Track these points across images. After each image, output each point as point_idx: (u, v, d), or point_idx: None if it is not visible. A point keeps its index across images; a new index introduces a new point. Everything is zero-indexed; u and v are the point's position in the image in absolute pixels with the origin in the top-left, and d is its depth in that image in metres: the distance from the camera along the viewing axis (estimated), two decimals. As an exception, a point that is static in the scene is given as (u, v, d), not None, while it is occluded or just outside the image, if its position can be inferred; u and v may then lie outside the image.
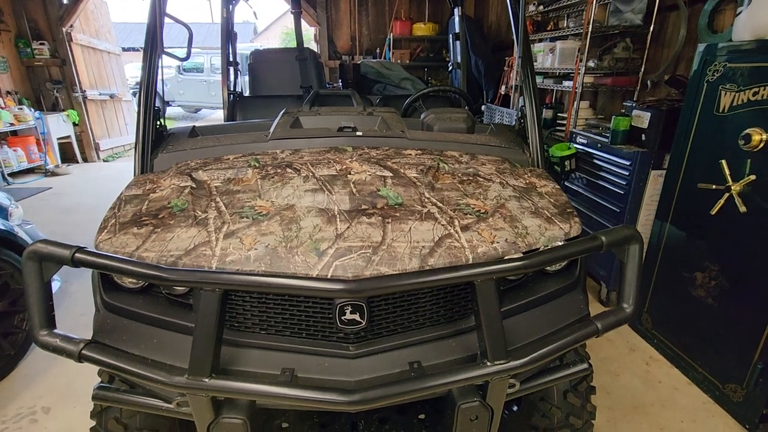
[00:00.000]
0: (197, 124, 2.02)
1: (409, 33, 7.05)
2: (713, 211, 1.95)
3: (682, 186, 2.19)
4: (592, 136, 2.92)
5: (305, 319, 1.16)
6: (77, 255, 1.03)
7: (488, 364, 1.07)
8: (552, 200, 1.44)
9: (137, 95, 1.67)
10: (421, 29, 6.98)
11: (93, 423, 1.37)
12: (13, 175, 5.96)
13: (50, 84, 6.90)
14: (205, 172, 1.49)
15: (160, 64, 1.69)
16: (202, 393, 1.01)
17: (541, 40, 3.97)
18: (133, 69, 11.92)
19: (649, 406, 2.03)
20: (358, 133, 1.72)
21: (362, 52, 7.38)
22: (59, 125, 6.76)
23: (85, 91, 7.11)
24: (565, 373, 1.27)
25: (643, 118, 2.52)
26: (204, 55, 12.08)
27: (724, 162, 1.90)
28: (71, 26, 6.75)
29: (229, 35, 2.82)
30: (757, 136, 1.75)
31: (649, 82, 2.96)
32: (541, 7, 3.84)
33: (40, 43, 6.69)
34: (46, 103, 6.92)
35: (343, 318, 1.11)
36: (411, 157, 1.58)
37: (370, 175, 1.43)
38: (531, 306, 1.29)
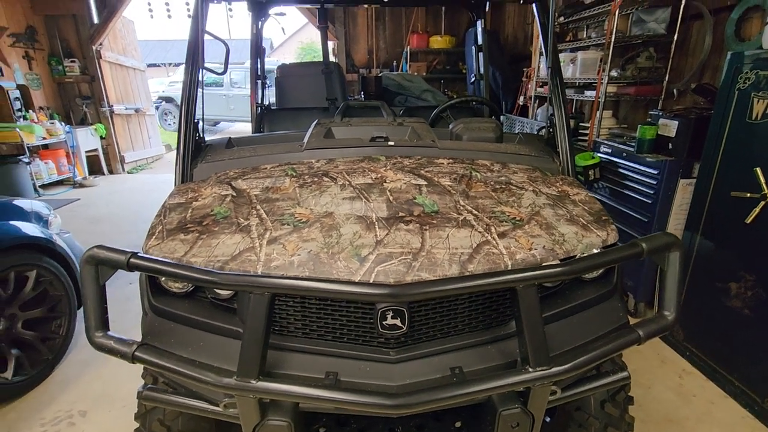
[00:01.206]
0: (231, 135, 2.09)
1: (425, 46, 7.15)
2: (748, 220, 1.92)
3: (714, 195, 2.16)
4: (616, 145, 2.90)
5: (347, 323, 1.18)
6: (132, 260, 1.08)
7: (530, 370, 1.07)
8: (586, 208, 1.45)
9: (180, 116, 1.74)
10: (438, 42, 7.07)
11: (136, 425, 1.41)
12: (43, 186, 6.17)
13: (80, 99, 7.16)
14: (244, 181, 1.54)
15: (201, 79, 1.76)
16: (249, 395, 1.04)
17: (560, 51, 3.99)
18: (155, 84, 12.30)
19: (684, 420, 1.98)
20: (390, 143, 1.76)
21: (379, 65, 7.50)
22: (87, 139, 7.00)
23: (112, 105, 7.36)
24: (606, 381, 1.26)
25: (670, 127, 2.51)
26: (234, 70, 12.42)
27: (758, 170, 1.88)
28: (100, 44, 7.02)
29: (258, 50, 2.92)
30: (794, 143, 1.73)
31: (675, 90, 2.94)
32: (562, 18, 3.87)
33: (71, 61, 6.97)
34: (75, 117, 7.17)
35: (384, 323, 1.12)
36: (443, 166, 1.61)
37: (405, 183, 1.45)
38: (568, 313, 1.29)
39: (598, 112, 3.20)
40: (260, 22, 2.85)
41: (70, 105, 7.18)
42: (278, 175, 1.56)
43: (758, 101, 1.91)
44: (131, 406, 1.93)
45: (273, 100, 3.26)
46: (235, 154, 1.77)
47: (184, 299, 1.29)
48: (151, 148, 8.75)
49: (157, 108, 12.39)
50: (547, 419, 1.67)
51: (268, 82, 3.04)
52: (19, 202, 2.42)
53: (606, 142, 3.03)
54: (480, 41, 2.93)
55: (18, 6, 6.34)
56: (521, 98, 5.31)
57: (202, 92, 1.80)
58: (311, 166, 1.61)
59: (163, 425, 1.36)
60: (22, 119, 6.00)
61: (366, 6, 6.82)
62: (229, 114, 12.22)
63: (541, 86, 4.41)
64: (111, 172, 7.56)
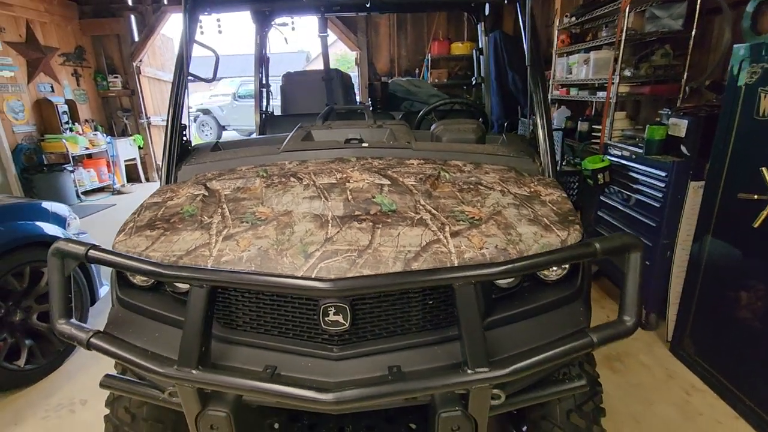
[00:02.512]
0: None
1: (447, 52, 7.13)
2: (756, 224, 1.78)
3: (723, 197, 2.01)
4: (626, 147, 2.77)
5: (292, 319, 1.20)
6: (90, 252, 1.14)
7: (468, 371, 1.04)
8: (555, 208, 1.39)
9: (167, 120, 1.84)
10: (459, 48, 7.03)
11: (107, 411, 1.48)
12: (85, 193, 6.64)
13: (121, 112, 7.68)
14: (218, 182, 1.59)
15: (186, 86, 1.86)
16: (187, 384, 1.07)
17: (575, 52, 3.86)
18: (198, 97, 12.99)
19: (686, 439, 1.84)
20: (364, 145, 1.77)
21: (401, 73, 7.54)
22: (127, 148, 7.48)
23: (149, 117, 7.83)
24: (559, 389, 1.19)
25: (680, 127, 2.37)
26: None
27: (765, 169, 1.73)
28: (140, 61, 7.51)
29: (262, 60, 3.03)
30: (801, 140, 1.59)
31: (687, 88, 2.78)
32: (573, 19, 3.75)
33: (114, 77, 7.50)
34: (116, 129, 7.69)
35: (326, 319, 1.13)
36: (413, 167, 1.60)
37: (368, 183, 1.46)
38: (525, 316, 1.24)
39: (609, 114, 3.07)
40: (264, 34, 2.95)
41: (112, 117, 7.71)
42: (250, 176, 1.61)
43: (765, 96, 1.77)
44: None
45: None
46: (217, 157, 1.85)
47: (148, 292, 1.35)
48: (186, 157, 9.20)
49: (195, 120, 13.06)
50: (524, 429, 1.60)
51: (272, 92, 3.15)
52: (44, 204, 2.62)
53: (616, 144, 2.90)
54: (481, 44, 2.90)
55: (69, 28, 6.92)
56: (541, 102, 5.17)
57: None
58: (283, 167, 1.65)
59: (128, 412, 1.42)
60: (68, 131, 6.51)
61: (382, 14, 6.90)
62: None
63: (557, 89, 4.29)
64: (147, 180, 8.02)
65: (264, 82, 3.07)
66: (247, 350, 1.21)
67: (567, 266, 1.29)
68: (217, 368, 1.14)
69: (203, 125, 13.21)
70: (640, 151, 2.62)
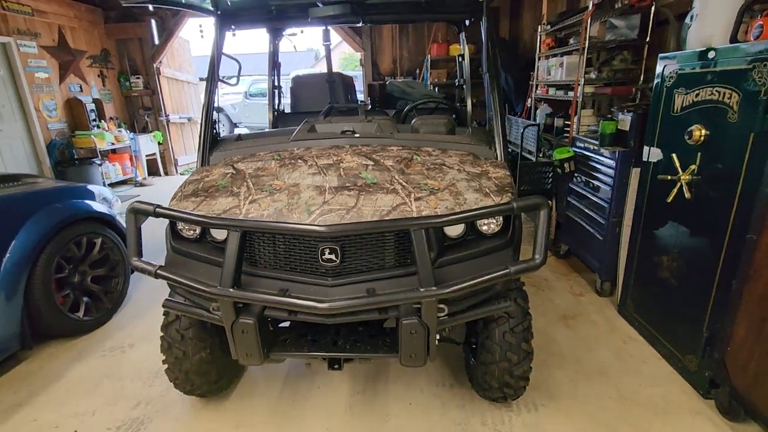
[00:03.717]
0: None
1: (446, 54, 7.54)
2: (669, 199, 2.21)
3: (651, 179, 2.44)
4: (587, 140, 3.20)
5: (298, 258, 1.67)
6: (157, 209, 1.63)
7: (420, 290, 1.51)
8: (497, 182, 1.85)
9: (201, 116, 2.32)
10: (457, 50, 7.38)
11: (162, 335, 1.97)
12: (111, 185, 7.20)
13: (142, 110, 8.24)
14: (243, 164, 2.08)
15: (217, 89, 2.34)
16: (227, 299, 1.55)
17: (554, 56, 4.29)
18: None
19: (613, 373, 2.28)
20: (356, 135, 2.24)
21: (403, 73, 7.98)
22: (147, 144, 8.03)
23: (168, 115, 8.38)
24: (488, 308, 1.65)
25: (625, 121, 2.80)
26: (267, 81, 13.40)
27: (674, 155, 2.17)
28: (160, 62, 8.05)
29: (275, 64, 3.51)
30: (698, 131, 2.02)
31: (635, 89, 3.20)
32: (549, 27, 4.17)
33: (136, 77, 8.05)
34: (138, 126, 8.24)
35: (323, 258, 1.61)
36: (392, 152, 2.07)
37: (356, 163, 1.93)
38: (468, 258, 1.70)
39: (576, 111, 3.50)
40: (277, 40, 3.43)
41: (134, 115, 8.27)
42: (267, 159, 2.09)
43: (678, 96, 2.20)
44: None
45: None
46: (241, 145, 2.33)
47: (194, 242, 1.83)
48: (201, 152, 9.75)
49: (208, 117, 13.60)
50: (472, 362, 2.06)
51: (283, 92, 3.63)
52: (91, 187, 3.13)
53: (581, 137, 3.33)
54: (462, 51, 3.35)
55: (95, 33, 7.48)
56: (529, 101, 5.59)
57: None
58: (292, 152, 2.13)
59: (178, 333, 1.91)
60: (96, 128, 7.07)
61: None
62: (272, 122, 13.20)
63: (540, 89, 4.71)
64: (166, 173, 8.57)
65: (276, 84, 3.55)
66: (266, 280, 1.69)
67: (501, 222, 1.74)
68: (246, 290, 1.62)
69: (215, 123, 13.72)
70: (597, 143, 3.05)
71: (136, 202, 1.68)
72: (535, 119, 4.70)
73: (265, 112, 13.11)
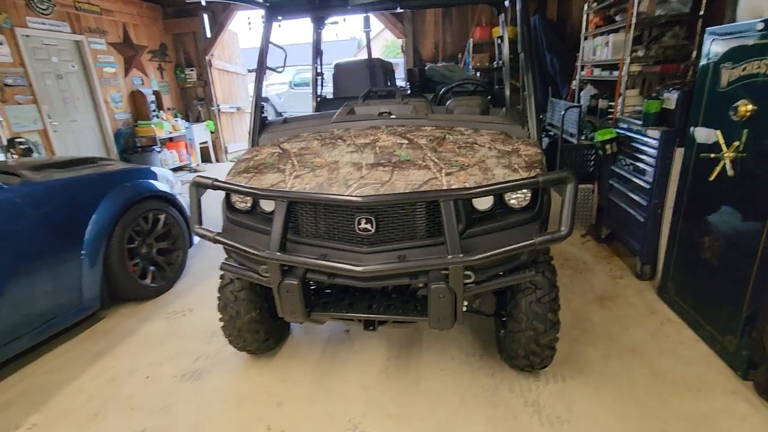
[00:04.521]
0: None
1: (488, 37, 7.40)
2: (711, 178, 2.16)
3: (695, 158, 2.38)
4: (631, 120, 3.12)
5: (336, 227, 1.83)
6: (214, 182, 1.85)
7: (448, 257, 1.62)
8: (527, 159, 1.90)
9: (252, 102, 2.52)
10: (499, 33, 7.29)
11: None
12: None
13: (196, 101, 8.77)
14: (288, 144, 2.26)
15: (265, 77, 2.53)
16: (274, 261, 1.74)
17: (600, 35, 4.15)
18: (252, 87, 14.09)
19: (648, 352, 2.28)
20: (392, 116, 2.36)
21: (445, 58, 7.94)
22: (201, 133, 8.56)
23: (219, 105, 8.86)
24: (514, 277, 1.73)
25: (671, 100, 2.71)
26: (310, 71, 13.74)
27: (719, 132, 2.11)
28: (212, 54, 8.51)
29: (317, 52, 3.68)
30: (744, 107, 1.96)
31: (682, 66, 3.06)
32: (595, 4, 4.04)
33: (191, 70, 8.57)
34: (192, 115, 8.79)
35: (359, 227, 1.75)
36: (426, 131, 2.17)
37: (392, 142, 2.05)
38: (495, 231, 1.78)
39: (621, 91, 3.40)
40: (320, 29, 3.59)
41: (188, 105, 8.82)
42: (310, 139, 2.25)
43: (724, 71, 2.13)
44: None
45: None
46: (286, 128, 2.52)
47: (245, 213, 2.04)
48: (247, 141, 10.26)
49: (255, 107, 14.18)
50: (502, 332, 2.14)
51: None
52: (154, 168, 3.47)
53: (624, 118, 3.25)
54: (502, 32, 3.34)
55: (155, 28, 8.03)
56: (574, 83, 5.42)
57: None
58: (332, 133, 2.28)
59: (232, 294, 2.14)
60: (155, 118, 7.64)
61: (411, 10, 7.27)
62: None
63: (584, 70, 4.57)
64: (217, 160, 9.11)
65: (319, 71, 3.72)
66: (307, 247, 1.86)
67: (529, 197, 1.80)
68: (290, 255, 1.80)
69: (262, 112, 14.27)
70: (640, 123, 2.97)
71: (197, 176, 1.90)
72: (579, 101, 4.57)
73: (309, 101, 13.44)
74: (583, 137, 3.88)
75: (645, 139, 2.88)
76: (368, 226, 1.76)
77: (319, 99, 3.70)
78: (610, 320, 2.58)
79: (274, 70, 2.72)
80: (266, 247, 1.80)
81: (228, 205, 2.06)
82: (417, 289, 1.98)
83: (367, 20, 3.25)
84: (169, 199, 3.32)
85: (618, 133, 3.26)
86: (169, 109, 8.29)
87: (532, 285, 1.90)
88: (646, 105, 2.85)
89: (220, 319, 2.22)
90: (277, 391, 2.13)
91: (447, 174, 1.78)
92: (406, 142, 2.05)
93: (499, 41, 3.46)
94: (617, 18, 3.75)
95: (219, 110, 8.88)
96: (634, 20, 3.23)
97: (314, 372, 2.26)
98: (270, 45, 2.65)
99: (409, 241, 1.80)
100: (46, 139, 5.87)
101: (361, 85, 3.67)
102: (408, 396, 2.06)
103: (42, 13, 5.80)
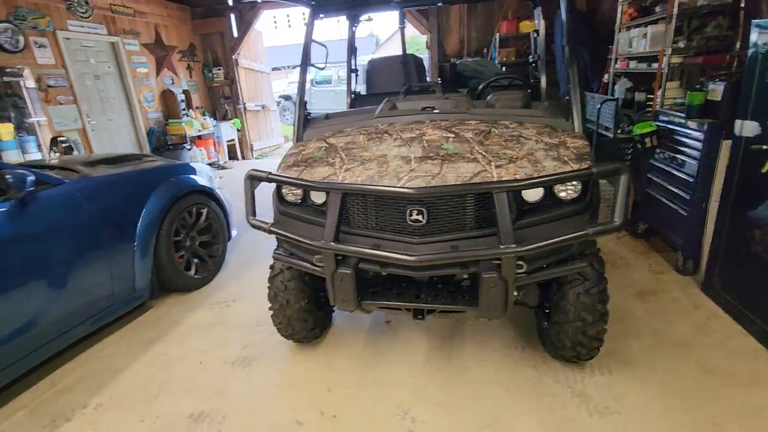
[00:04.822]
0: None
1: (515, 31, 7.33)
2: (763, 170, 2.12)
3: (744, 151, 2.33)
4: (672, 113, 3.07)
5: (388, 219, 1.87)
6: (269, 175, 1.91)
7: (501, 247, 1.65)
8: (575, 151, 1.91)
9: (297, 98, 2.59)
10: (528, 26, 7.20)
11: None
12: (199, 167, 7.97)
13: (223, 99, 8.95)
14: (334, 138, 2.31)
15: (307, 72, 2.59)
16: (329, 250, 1.79)
17: (636, 27, 4.08)
18: (277, 85, 14.29)
19: (694, 345, 2.26)
20: (435, 111, 2.39)
21: (470, 53, 7.89)
22: (228, 131, 8.75)
23: (245, 103, 9.03)
24: (564, 268, 1.75)
25: (716, 91, 2.66)
26: (332, 69, 13.86)
27: (771, 123, 2.07)
28: (238, 54, 8.67)
29: (352, 49, 3.73)
30: (800, 96, 1.92)
31: (728, 57, 2.99)
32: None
33: (218, 69, 8.76)
34: (219, 114, 8.98)
35: (410, 219, 1.79)
36: (471, 125, 2.19)
37: (438, 136, 2.08)
38: (544, 222, 1.79)
39: (661, 83, 3.34)
40: (354, 26, 3.64)
41: (215, 104, 9.02)
42: (355, 134, 2.30)
43: (778, 61, 2.08)
44: (259, 299, 2.90)
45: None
46: (329, 123, 2.57)
47: (297, 206, 2.10)
48: (273, 138, 10.43)
49: (278, 105, 14.41)
50: (545, 324, 2.16)
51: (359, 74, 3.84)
52: (193, 164, 3.58)
53: (665, 110, 3.20)
54: (538, 26, 3.32)
55: (184, 29, 8.23)
56: (606, 76, 5.33)
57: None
58: (377, 128, 2.33)
59: (283, 284, 2.21)
60: (185, 116, 7.84)
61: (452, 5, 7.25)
62: (336, 108, 13.62)
63: (620, 62, 4.50)
64: (243, 157, 9.29)
65: (354, 67, 3.77)
66: (359, 238, 1.91)
67: (579, 189, 1.81)
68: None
69: (285, 110, 14.48)
70: (683, 115, 2.92)
71: (252, 170, 1.97)
72: (612, 95, 4.51)
73: (330, 98, 13.68)
74: (619, 131, 3.83)
75: (689, 131, 2.83)
76: (419, 217, 1.79)
77: (353, 95, 3.75)
78: (653, 315, 2.56)
79: (317, 66, 2.78)
80: (320, 237, 1.86)
81: (279, 197, 2.13)
82: (461, 280, 2.01)
83: (401, 16, 3.28)
84: (210, 194, 3.43)
85: (658, 125, 3.21)
86: (197, 107, 8.48)
87: (580, 276, 1.91)
88: (690, 97, 2.80)
89: (270, 308, 2.30)
90: (325, 378, 2.20)
91: (497, 166, 1.80)
92: (453, 135, 2.07)
93: (535, 35, 3.41)
94: (657, 9, 3.68)
95: (245, 108, 9.05)
96: (675, 11, 3.17)
97: (359, 361, 2.32)
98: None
99: (458, 232, 1.83)
100: (85, 138, 6.09)
101: (394, 82, 3.70)
102: (454, 385, 2.10)
103: (81, 17, 6.02)
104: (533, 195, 1.82)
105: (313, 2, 2.58)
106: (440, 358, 2.29)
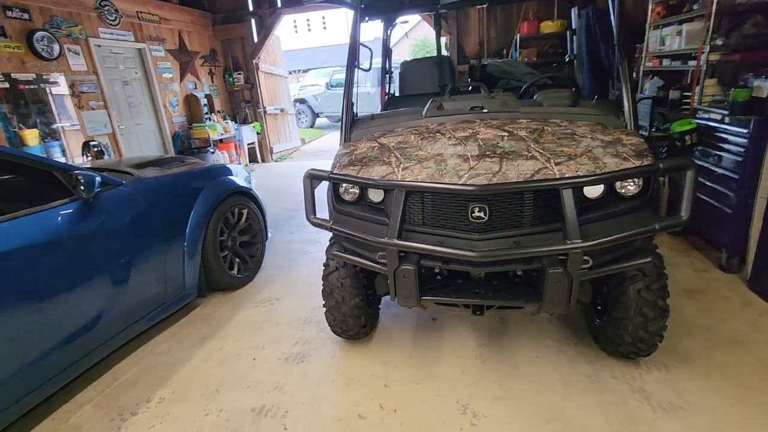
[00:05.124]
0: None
1: (536, 32, 7.34)
2: (820, 165, 2.11)
3: (797, 146, 2.33)
4: (713, 110, 3.06)
5: (450, 216, 1.90)
6: (330, 174, 1.96)
7: (568, 242, 1.67)
8: (633, 148, 1.92)
9: (343, 99, 2.63)
10: (549, 27, 7.21)
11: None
12: (222, 170, 8.08)
13: (243, 103, 9.08)
14: (385, 138, 2.35)
15: (356, 75, 2.64)
16: (393, 247, 1.83)
17: (669, 25, 4.07)
18: (292, 89, 14.42)
19: (752, 342, 2.25)
20: (485, 110, 2.42)
21: (490, 54, 7.91)
22: (248, 134, 8.86)
23: (265, 107, 9.14)
24: (629, 263, 1.76)
25: (763, 88, 2.65)
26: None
27: (830, 118, 2.06)
28: (259, 58, 8.79)
29: (386, 51, 3.78)
30: None
31: None
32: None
33: (238, 73, 8.88)
34: (239, 117, 9.10)
35: (473, 216, 1.82)
36: (523, 124, 2.21)
37: (492, 135, 2.11)
38: (608, 217, 1.81)
39: (699, 80, 3.33)
40: (390, 29, 3.69)
41: (236, 108, 9.15)
42: (406, 134, 2.34)
43: (835, 55, 2.08)
44: (302, 298, 2.94)
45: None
46: (377, 123, 2.61)
47: (352, 204, 2.14)
48: (291, 141, 10.54)
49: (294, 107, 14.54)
50: (596, 322, 2.17)
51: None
52: (230, 166, 3.65)
53: (704, 108, 3.19)
54: (574, 25, 3.34)
55: (205, 35, 8.37)
56: (634, 74, 5.32)
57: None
58: (428, 127, 2.36)
59: (338, 281, 2.25)
60: (208, 120, 7.97)
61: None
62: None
63: (650, 60, 4.49)
64: (263, 160, 9.40)
65: (388, 68, 3.82)
66: (420, 235, 1.94)
67: (640, 185, 1.82)
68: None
69: (300, 114, 14.60)
70: (725, 112, 2.92)
71: (311, 169, 2.02)
72: (642, 92, 4.50)
73: (355, 100, 13.65)
74: (653, 129, 3.82)
75: (733, 128, 2.82)
76: (481, 214, 1.83)
77: (388, 96, 3.79)
78: (702, 312, 2.55)
79: (361, 68, 2.83)
80: (379, 234, 1.90)
81: (335, 196, 2.17)
82: (515, 276, 2.04)
83: (438, 18, 3.31)
84: (249, 195, 3.50)
85: (697, 123, 3.20)
86: (219, 111, 8.61)
87: (639, 272, 1.92)
88: (734, 93, 2.79)
89: (324, 305, 2.34)
90: (381, 374, 2.23)
91: (556, 164, 1.82)
92: (507, 134, 2.10)
93: (573, 34, 3.43)
94: (695, 6, 3.67)
95: (265, 112, 9.17)
96: (714, 8, 3.17)
97: (412, 357, 2.35)
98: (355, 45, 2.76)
99: (517, 228, 1.85)
100: (114, 142, 6.23)
101: (428, 82, 3.74)
102: (511, 380, 2.12)
103: (111, 24, 6.17)
104: (594, 191, 1.84)
105: (362, 5, 2.63)
106: (491, 355, 2.32)
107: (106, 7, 6.06)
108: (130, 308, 2.39)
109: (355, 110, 2.72)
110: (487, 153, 1.95)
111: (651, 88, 4.38)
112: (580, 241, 1.66)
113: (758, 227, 2.68)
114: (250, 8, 8.47)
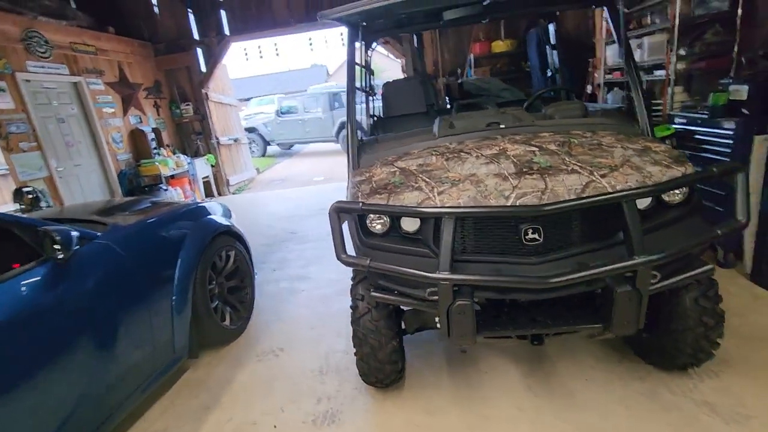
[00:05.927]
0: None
1: (488, 51, 7.63)
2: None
3: (787, 143, 2.46)
4: (690, 115, 3.22)
5: (502, 241, 1.75)
6: (362, 206, 1.74)
7: (636, 258, 1.57)
8: (667, 154, 1.90)
9: (347, 123, 2.44)
10: (500, 46, 7.52)
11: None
12: (176, 208, 7.46)
13: (194, 135, 8.54)
14: (402, 161, 2.18)
15: (360, 99, 2.46)
16: (447, 282, 1.63)
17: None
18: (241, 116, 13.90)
19: (781, 337, 2.28)
20: (502, 126, 2.33)
21: (444, 74, 8.09)
22: (202, 167, 8.30)
23: (218, 138, 8.66)
24: (695, 272, 1.70)
25: (741, 92, 2.82)
26: (298, 98, 13.72)
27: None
28: (208, 88, 8.36)
29: (368, 72, 3.64)
30: None
31: (743, 59, 3.21)
32: (625, 10, 4.22)
33: (186, 104, 8.37)
34: (190, 150, 8.53)
35: (526, 238, 1.68)
36: (547, 137, 2.14)
37: (522, 150, 2.01)
38: (659, 227, 1.75)
39: (669, 88, 3.52)
40: (369, 51, 3.57)
41: (186, 141, 8.57)
42: (426, 155, 2.18)
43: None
44: (309, 344, 2.63)
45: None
46: (386, 147, 2.44)
47: (382, 236, 1.93)
48: (247, 171, 10.05)
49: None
50: (644, 335, 2.10)
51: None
52: (207, 204, 3.28)
53: (680, 113, 3.35)
54: (553, 41, 3.42)
55: (148, 65, 7.83)
56: (588, 87, 5.62)
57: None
58: (447, 147, 2.22)
59: (372, 323, 1.99)
60: (156, 155, 7.37)
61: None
62: (305, 137, 13.38)
63: (609, 73, 4.74)
64: (220, 194, 8.83)
65: (370, 89, 3.68)
66: (473, 265, 1.76)
67: (686, 192, 1.79)
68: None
69: (251, 142, 14.04)
70: (704, 116, 3.07)
71: (338, 202, 1.79)
72: (605, 103, 4.72)
73: (296, 127, 13.41)
74: (627, 136, 3.97)
75: (716, 130, 2.97)
76: (536, 235, 1.69)
77: (374, 118, 3.64)
78: (720, 311, 2.57)
79: (366, 91, 2.66)
80: (422, 267, 1.70)
81: (362, 228, 1.95)
82: (570, 297, 1.91)
83: (419, 38, 3.25)
84: (234, 234, 3.15)
85: (675, 128, 3.35)
86: (167, 145, 8.02)
87: (695, 281, 1.87)
88: (714, 98, 2.95)
89: (356, 353, 2.07)
90: (427, 424, 1.99)
91: (602, 176, 1.74)
92: (537, 149, 2.01)
93: (552, 49, 3.51)
94: (657, 21, 3.92)
95: (218, 143, 8.68)
96: (677, 21, 3.38)
97: (455, 399, 2.13)
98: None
99: (572, 247, 1.74)
100: (53, 186, 5.53)
101: (414, 103, 3.65)
102: (570, 411, 1.96)
103: (41, 57, 5.55)
104: (644, 202, 1.78)
105: (364, 23, 2.48)
106: (540, 385, 2.16)
107: (35, 38, 5.44)
108: (112, 388, 1.96)
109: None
110: (525, 170, 1.84)
111: (614, 98, 4.61)
112: (649, 255, 1.57)
113: (753, 224, 2.80)
114: (196, 36, 8.07)
